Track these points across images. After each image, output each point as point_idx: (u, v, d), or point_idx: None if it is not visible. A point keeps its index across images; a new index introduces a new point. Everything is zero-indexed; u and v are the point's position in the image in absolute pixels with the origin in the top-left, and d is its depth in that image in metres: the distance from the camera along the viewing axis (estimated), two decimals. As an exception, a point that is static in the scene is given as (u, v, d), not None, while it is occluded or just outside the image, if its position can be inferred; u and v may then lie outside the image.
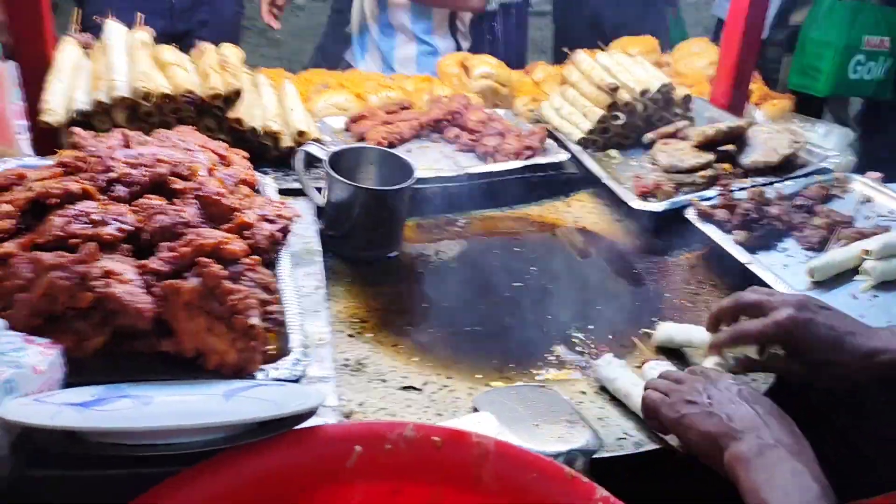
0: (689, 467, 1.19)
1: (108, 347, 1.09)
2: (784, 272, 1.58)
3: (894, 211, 1.74)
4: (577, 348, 1.49)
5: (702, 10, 4.94)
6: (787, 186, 1.84)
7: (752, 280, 1.57)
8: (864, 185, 1.84)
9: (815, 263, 1.54)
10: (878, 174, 1.96)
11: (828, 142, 2.31)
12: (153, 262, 1.13)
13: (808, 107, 2.85)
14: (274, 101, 1.96)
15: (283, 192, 1.76)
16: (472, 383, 1.38)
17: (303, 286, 1.40)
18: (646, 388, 1.22)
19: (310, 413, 0.93)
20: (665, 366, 1.35)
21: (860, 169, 2.12)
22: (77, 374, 1.03)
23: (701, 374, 1.18)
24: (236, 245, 1.19)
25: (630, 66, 2.20)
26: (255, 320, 1.12)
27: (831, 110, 3.18)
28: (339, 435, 0.89)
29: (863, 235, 1.64)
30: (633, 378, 1.32)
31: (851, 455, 1.11)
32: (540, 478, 0.87)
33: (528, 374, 1.42)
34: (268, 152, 1.88)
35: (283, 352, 1.19)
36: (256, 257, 1.23)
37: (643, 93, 2.10)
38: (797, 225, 1.70)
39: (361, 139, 2.08)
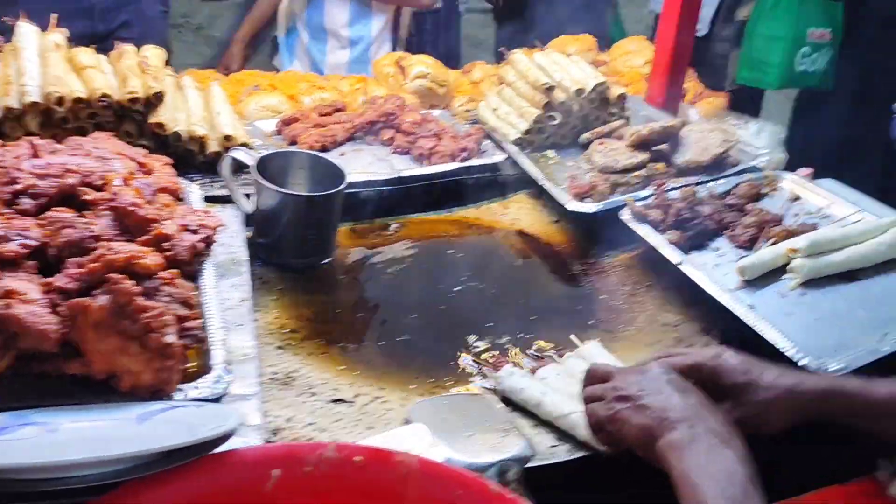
0: (623, 472, 1.19)
1: (12, 371, 1.02)
2: (715, 272, 1.59)
3: (822, 208, 1.77)
4: (510, 355, 1.47)
5: (642, 7, 5.00)
6: (719, 185, 1.86)
7: (685, 280, 1.58)
8: (793, 183, 1.87)
9: (744, 263, 1.55)
10: (808, 170, 1.99)
11: (759, 139, 2.34)
12: (59, 280, 1.07)
13: (745, 105, 2.89)
14: (199, 105, 1.89)
15: (210, 199, 1.70)
16: (406, 394, 1.35)
17: (227, 298, 1.35)
18: (585, 402, 1.21)
19: (225, 437, 0.88)
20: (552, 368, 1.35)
21: (792, 164, 2.15)
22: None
23: (635, 370, 1.18)
24: (150, 259, 1.13)
25: (566, 65, 2.19)
26: (171, 338, 1.07)
27: (769, 107, 3.24)
28: (255, 459, 0.85)
29: (790, 234, 1.66)
30: (539, 387, 1.29)
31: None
32: (465, 494, 0.85)
33: (462, 383, 1.39)
34: (193, 158, 1.82)
35: (204, 369, 1.15)
36: (175, 270, 1.17)
37: (579, 92, 2.09)
38: (728, 224, 1.71)
39: (293, 142, 2.02)
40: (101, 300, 1.05)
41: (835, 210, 1.75)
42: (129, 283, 1.06)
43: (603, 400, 1.17)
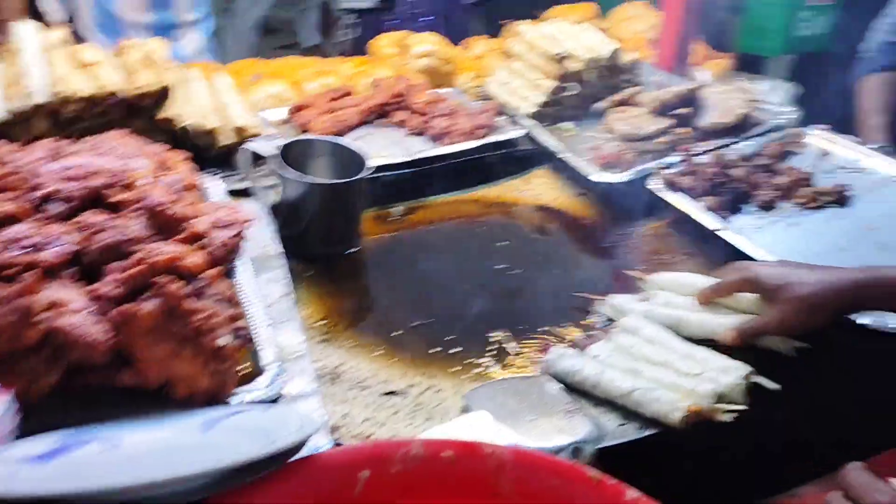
0: (693, 448, 1.16)
1: (63, 385, 0.97)
2: (757, 235, 1.56)
3: (853, 161, 1.74)
4: (557, 334, 1.43)
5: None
6: (747, 147, 1.82)
7: (726, 246, 1.55)
8: (819, 138, 1.84)
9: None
10: (825, 126, 1.96)
11: (773, 98, 2.30)
12: (103, 287, 1.01)
13: (749, 65, 2.86)
14: (207, 97, 1.82)
15: (230, 193, 1.65)
16: (456, 381, 1.31)
17: (267, 294, 1.30)
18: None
19: (304, 442, 0.84)
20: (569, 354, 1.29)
21: (804, 123, 2.12)
22: (33, 419, 0.91)
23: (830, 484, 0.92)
24: (194, 258, 1.08)
25: (575, 33, 2.14)
26: (224, 339, 1.02)
27: (772, 68, 3.21)
28: (342, 462, 0.81)
29: (820, 194, 1.63)
30: (595, 366, 1.24)
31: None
32: (563, 483, 0.81)
33: (508, 367, 1.35)
34: (206, 152, 1.75)
35: (256, 370, 1.10)
36: (217, 269, 1.12)
37: (593, 60, 2.04)
38: (761, 184, 1.68)
39: (305, 130, 1.97)
40: (149, 305, 0.99)
41: (867, 162, 1.72)
42: (177, 285, 1.01)
43: None
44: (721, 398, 1.16)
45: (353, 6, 3.39)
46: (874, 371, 1.30)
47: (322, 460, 0.81)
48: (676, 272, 1.42)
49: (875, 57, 1.98)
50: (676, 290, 1.38)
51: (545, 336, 1.42)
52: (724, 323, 1.28)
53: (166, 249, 1.07)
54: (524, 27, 2.18)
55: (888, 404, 1.28)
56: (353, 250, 1.66)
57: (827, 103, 2.68)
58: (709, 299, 1.32)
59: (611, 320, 1.38)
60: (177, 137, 1.71)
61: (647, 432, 1.15)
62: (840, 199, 1.61)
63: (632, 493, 0.80)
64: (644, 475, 1.14)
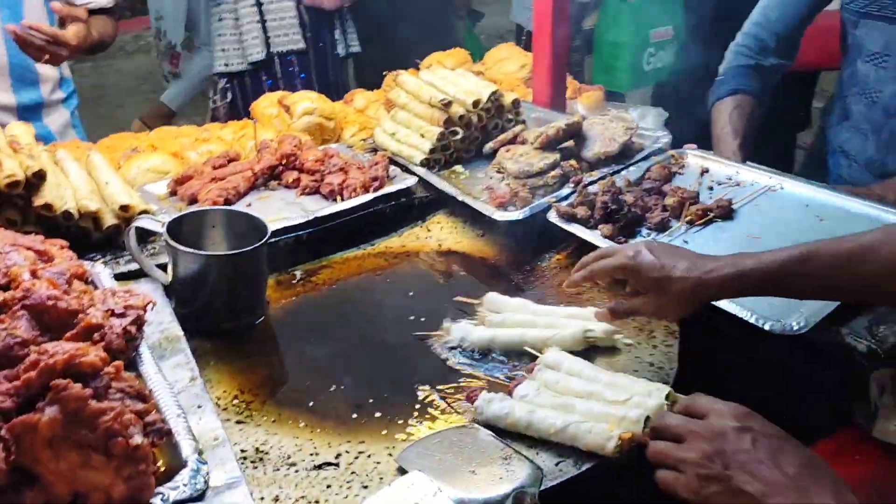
0: (636, 475, 1.16)
1: (-46, 520, 0.87)
2: (655, 255, 1.61)
3: (731, 176, 1.84)
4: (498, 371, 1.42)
5: (494, 17, 5.12)
6: (632, 172, 1.90)
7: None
8: (697, 157, 1.94)
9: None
10: (693, 145, 2.08)
11: (646, 123, 2.42)
12: (-7, 400, 0.92)
13: (618, 95, 3.01)
14: (84, 178, 1.73)
15: (118, 277, 1.56)
16: (387, 442, 1.26)
17: (176, 381, 1.22)
18: (652, 460, 1.05)
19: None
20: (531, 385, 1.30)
21: (674, 146, 2.23)
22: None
23: (702, 430, 1.01)
24: (92, 355, 1.00)
25: (455, 78, 2.18)
26: (137, 438, 0.94)
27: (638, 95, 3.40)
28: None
29: (706, 211, 1.71)
30: (525, 406, 1.24)
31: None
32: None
33: (433, 420, 1.32)
34: (88, 237, 1.66)
35: (175, 465, 1.02)
36: (117, 363, 1.04)
37: (475, 103, 2.08)
38: (652, 207, 1.74)
39: (193, 202, 1.89)
40: (48, 412, 0.91)
41: (744, 176, 1.83)
42: (77, 387, 0.93)
43: (679, 470, 1.00)
44: (648, 421, 1.18)
45: (225, 70, 3.32)
46: (787, 369, 1.36)
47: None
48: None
49: (724, 81, 2.13)
50: (507, 310, 1.51)
51: (469, 382, 1.40)
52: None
53: (61, 348, 0.99)
54: (405, 77, 2.20)
55: (810, 398, 1.35)
56: (259, 320, 1.59)
57: (690, 125, 2.86)
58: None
59: (533, 358, 1.38)
60: (52, 225, 1.61)
61: (585, 467, 1.15)
62: (725, 213, 1.69)
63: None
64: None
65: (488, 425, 1.24)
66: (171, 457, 1.04)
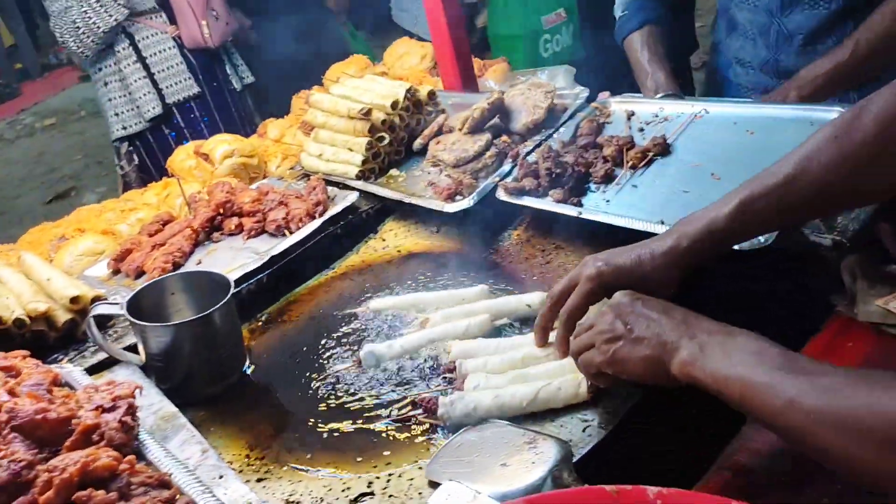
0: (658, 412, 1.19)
1: None
2: (610, 206, 1.65)
3: (657, 113, 1.88)
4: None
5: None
6: (563, 133, 1.92)
7: (589, 225, 1.62)
8: (620, 103, 1.98)
9: None
10: (606, 92, 2.12)
11: (559, 83, 2.45)
12: (17, 532, 0.87)
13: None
14: (23, 281, 1.65)
15: (88, 371, 1.49)
16: (413, 456, 1.26)
17: (188, 458, 1.18)
18: (575, 356, 1.22)
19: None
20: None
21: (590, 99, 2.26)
22: None
23: (607, 308, 1.18)
24: (104, 457, 0.96)
25: (367, 85, 2.17)
26: (177, 526, 0.91)
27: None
28: None
29: (645, 152, 1.74)
30: (486, 394, 1.26)
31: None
32: (588, 511, 0.80)
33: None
34: (45, 338, 1.59)
35: (217, 541, 0.99)
36: (130, 457, 1.01)
37: (394, 105, 2.07)
38: (593, 162, 1.77)
39: (140, 275, 1.83)
40: (80, 529, 0.87)
41: (668, 109, 1.87)
42: (100, 494, 0.89)
43: (592, 347, 1.17)
44: None
45: (124, 134, 3.22)
46: (766, 282, 1.41)
47: None
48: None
49: (629, 16, 2.14)
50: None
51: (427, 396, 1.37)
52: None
53: (71, 459, 0.95)
54: (318, 96, 2.17)
55: (797, 303, 1.40)
56: (245, 372, 1.56)
57: (598, 75, 2.92)
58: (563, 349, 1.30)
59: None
60: (5, 337, 1.53)
61: (612, 425, 1.17)
62: (663, 150, 1.73)
63: (651, 490, 0.80)
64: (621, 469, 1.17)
65: (461, 425, 1.26)
66: (212, 534, 1.01)
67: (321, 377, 1.50)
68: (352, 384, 1.45)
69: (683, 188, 1.63)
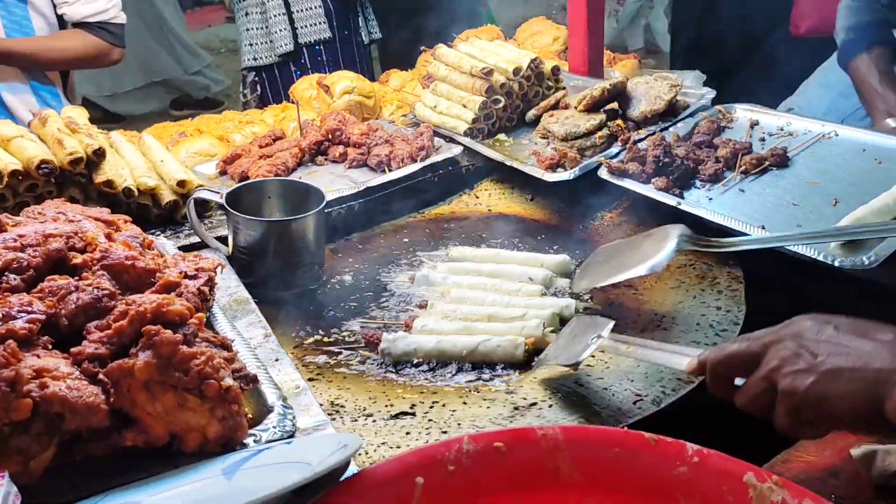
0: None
1: (62, 460, 0.88)
2: (711, 205, 1.61)
3: (783, 126, 1.82)
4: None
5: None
6: (680, 128, 1.88)
7: (685, 219, 1.58)
8: (745, 110, 1.92)
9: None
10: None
11: (689, 83, 2.39)
12: (88, 347, 0.94)
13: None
14: (140, 157, 1.75)
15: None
16: (458, 393, 1.27)
17: (251, 337, 1.23)
18: (743, 404, 0.91)
19: (347, 462, 0.79)
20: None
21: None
22: (36, 500, 0.83)
23: (776, 337, 0.89)
24: (178, 304, 1.02)
25: (494, 48, 2.18)
26: (228, 381, 0.96)
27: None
28: (393, 472, 0.76)
29: (761, 160, 1.69)
30: (430, 338, 1.36)
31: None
32: (623, 452, 0.79)
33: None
34: (148, 213, 1.68)
35: (261, 412, 1.04)
36: (200, 315, 1.06)
37: (516, 71, 2.08)
38: (704, 160, 1.73)
39: (243, 178, 1.91)
40: (143, 357, 0.92)
41: (796, 125, 1.81)
42: (168, 332, 0.95)
43: (770, 391, 0.87)
44: (546, 325, 1.38)
45: (254, 64, 3.36)
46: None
47: (373, 474, 0.77)
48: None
49: (855, 39, 2.04)
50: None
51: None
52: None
53: (149, 299, 1.00)
54: (444, 50, 2.21)
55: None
56: (316, 286, 1.61)
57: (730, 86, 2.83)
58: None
59: None
60: (112, 202, 1.63)
61: (665, 403, 1.15)
62: (780, 161, 1.67)
63: (692, 447, 0.79)
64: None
65: (399, 363, 1.35)
66: (257, 404, 1.05)
67: (385, 308, 1.54)
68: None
69: (793, 200, 1.57)
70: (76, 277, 1.08)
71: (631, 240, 1.54)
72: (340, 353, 1.40)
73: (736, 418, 1.11)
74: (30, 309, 0.98)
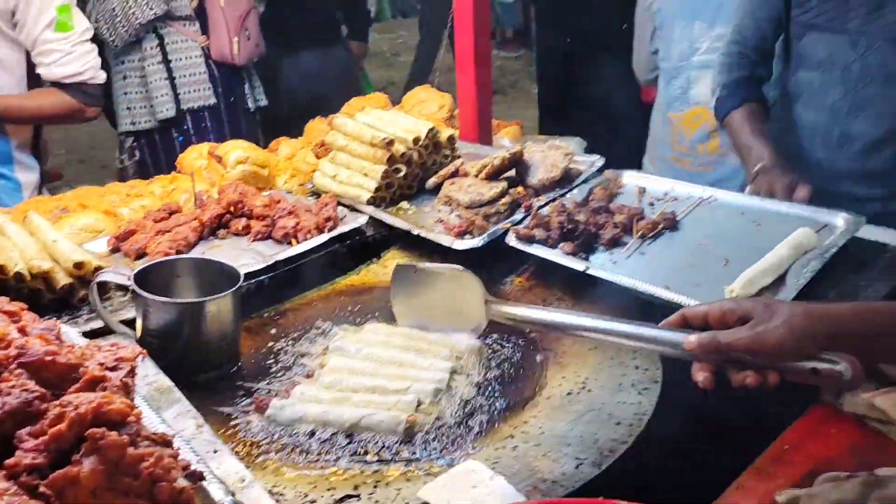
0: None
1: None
2: (616, 268, 1.70)
3: (667, 192, 1.97)
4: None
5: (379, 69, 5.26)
6: (576, 195, 1.99)
7: (594, 281, 1.67)
8: (631, 177, 2.06)
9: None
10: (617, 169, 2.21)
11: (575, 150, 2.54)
12: (25, 458, 0.86)
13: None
14: (28, 238, 1.64)
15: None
16: (398, 469, 1.25)
17: (183, 428, 1.17)
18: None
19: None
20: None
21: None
22: None
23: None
24: (118, 402, 0.95)
25: (391, 118, 2.23)
26: (181, 482, 0.90)
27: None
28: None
29: (655, 224, 1.82)
30: (317, 407, 1.36)
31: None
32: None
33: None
34: (41, 297, 1.56)
35: (210, 509, 0.98)
36: (137, 410, 0.99)
37: (416, 140, 2.13)
38: (604, 225, 1.84)
39: (140, 256, 1.82)
40: (88, 463, 0.86)
41: (679, 190, 1.96)
42: (114, 435, 0.88)
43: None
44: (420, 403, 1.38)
45: (132, 129, 3.23)
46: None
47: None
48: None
49: (729, 94, 2.17)
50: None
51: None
52: None
53: (86, 398, 0.93)
54: (343, 120, 2.22)
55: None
56: (233, 368, 1.55)
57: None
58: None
59: None
60: (5, 287, 1.51)
61: (605, 465, 1.19)
62: (672, 224, 1.81)
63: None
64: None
65: (287, 426, 1.35)
66: (205, 502, 1.00)
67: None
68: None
69: (690, 262, 1.70)
70: (-9, 379, 0.99)
71: (432, 278, 1.61)
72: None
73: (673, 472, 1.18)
74: (-54, 420, 0.89)
